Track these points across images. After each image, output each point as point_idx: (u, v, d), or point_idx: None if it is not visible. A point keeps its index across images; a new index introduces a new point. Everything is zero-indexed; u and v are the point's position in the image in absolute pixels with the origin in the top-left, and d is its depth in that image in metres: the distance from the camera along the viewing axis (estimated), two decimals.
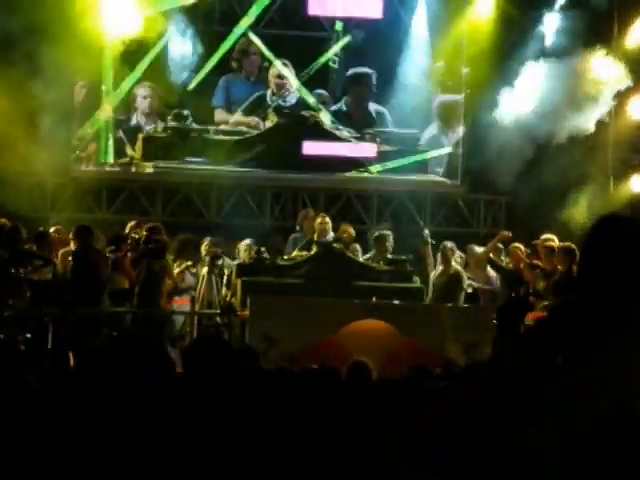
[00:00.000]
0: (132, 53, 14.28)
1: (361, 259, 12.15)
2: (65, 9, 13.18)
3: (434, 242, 12.38)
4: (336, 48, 15.15)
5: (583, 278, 3.08)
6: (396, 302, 11.11)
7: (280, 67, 15.12)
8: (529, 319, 9.44)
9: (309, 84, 15.18)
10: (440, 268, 12.07)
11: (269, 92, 15.16)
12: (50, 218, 13.22)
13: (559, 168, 13.66)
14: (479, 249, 12.54)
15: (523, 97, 13.79)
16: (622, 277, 2.94)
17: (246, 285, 11.17)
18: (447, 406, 3.54)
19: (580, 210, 13.36)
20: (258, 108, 15.14)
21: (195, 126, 14.95)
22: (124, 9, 13.93)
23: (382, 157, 15.29)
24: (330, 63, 15.24)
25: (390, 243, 12.34)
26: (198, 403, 3.84)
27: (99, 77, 14.43)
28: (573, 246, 10.53)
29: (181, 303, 12.01)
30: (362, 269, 11.67)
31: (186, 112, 14.87)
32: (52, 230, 11.90)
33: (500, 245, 12.45)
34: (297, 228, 12.90)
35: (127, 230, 11.85)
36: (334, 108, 15.30)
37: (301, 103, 15.22)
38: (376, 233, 12.75)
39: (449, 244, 12.22)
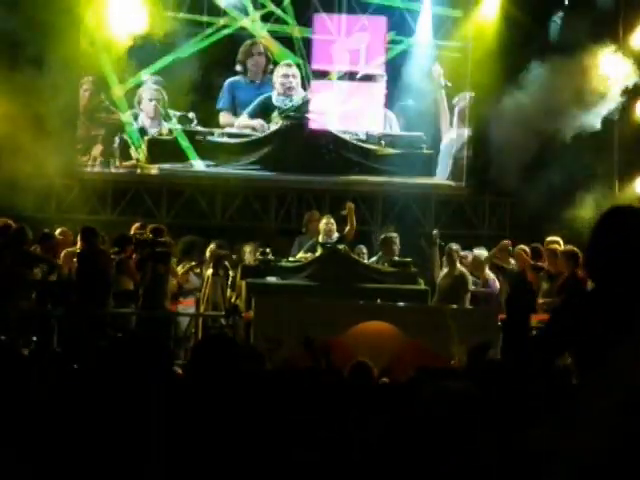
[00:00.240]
0: (139, 49, 14.34)
1: (366, 261, 12.17)
2: (71, 7, 13.24)
3: (442, 243, 12.37)
4: None
5: (590, 271, 3.08)
6: (401, 304, 11.11)
7: (285, 67, 15.14)
8: (533, 320, 9.45)
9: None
10: (445, 270, 12.07)
11: (274, 93, 15.18)
12: (55, 219, 13.23)
13: (564, 170, 13.66)
14: (479, 251, 12.54)
15: (529, 96, 13.79)
16: (628, 269, 2.94)
17: (251, 287, 11.18)
18: (452, 408, 3.55)
19: (585, 212, 13.35)
20: (264, 110, 15.16)
21: (200, 129, 14.97)
22: (130, 8, 14.02)
23: (387, 160, 15.30)
24: None
25: (397, 245, 12.36)
26: (201, 401, 3.85)
27: (105, 76, 14.47)
28: (576, 250, 10.52)
29: (186, 304, 12.02)
30: (367, 271, 11.67)
31: (191, 115, 14.90)
32: (57, 232, 11.92)
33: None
34: (303, 230, 12.92)
35: (132, 232, 11.87)
36: (344, 109, 15.31)
37: (307, 103, 15.22)
38: (383, 235, 12.78)
39: (454, 246, 12.22)
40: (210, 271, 11.87)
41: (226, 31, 14.95)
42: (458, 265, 12.03)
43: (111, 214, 14.77)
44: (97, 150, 14.80)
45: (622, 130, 14.52)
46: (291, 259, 11.86)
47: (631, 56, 13.97)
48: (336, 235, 12.01)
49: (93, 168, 14.74)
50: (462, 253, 12.41)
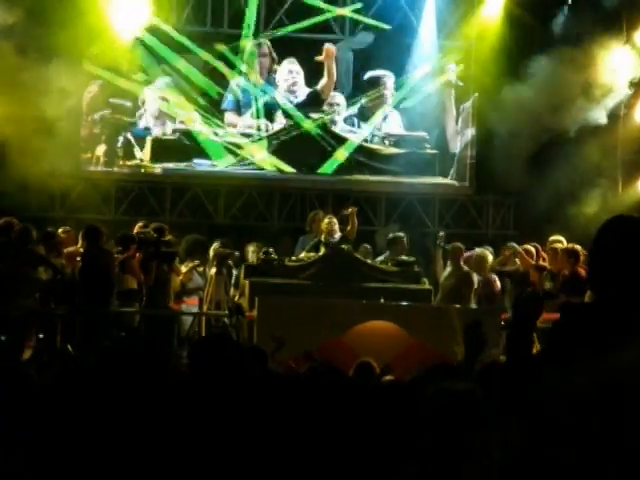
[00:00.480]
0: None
1: (369, 260, 12.17)
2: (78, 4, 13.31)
3: (447, 247, 12.35)
4: None
5: (592, 281, 3.07)
6: (404, 303, 11.11)
7: (288, 64, 15.15)
8: (541, 320, 9.44)
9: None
10: (449, 269, 12.07)
11: (279, 90, 15.18)
12: (59, 219, 13.25)
13: (568, 169, 13.66)
14: (482, 250, 12.52)
15: (533, 91, 13.77)
16: (630, 279, 2.93)
17: (254, 286, 11.18)
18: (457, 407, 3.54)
19: (589, 210, 13.35)
20: (267, 110, 15.16)
21: (204, 128, 14.98)
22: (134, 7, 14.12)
23: (390, 160, 15.31)
24: None
25: (405, 245, 12.40)
26: (202, 401, 3.85)
27: (112, 72, 14.52)
28: (577, 248, 10.53)
29: (190, 304, 12.03)
30: (370, 270, 11.67)
31: (195, 115, 14.90)
32: (60, 231, 11.93)
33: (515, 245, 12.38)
34: (307, 229, 12.93)
35: (135, 231, 11.87)
36: (352, 112, 15.32)
37: (311, 100, 15.22)
38: (391, 235, 12.81)
39: (458, 246, 12.22)
40: (214, 270, 11.87)
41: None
42: (462, 264, 12.03)
43: (115, 213, 14.78)
44: (101, 150, 14.81)
45: (625, 132, 14.50)
46: (294, 258, 11.87)
47: (638, 54, 13.96)
48: (339, 234, 12.01)
49: (97, 167, 14.76)
50: (466, 254, 12.40)
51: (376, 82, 15.38)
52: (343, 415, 4.41)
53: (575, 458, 2.75)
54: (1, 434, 3.96)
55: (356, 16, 15.27)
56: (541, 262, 11.59)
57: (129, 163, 14.87)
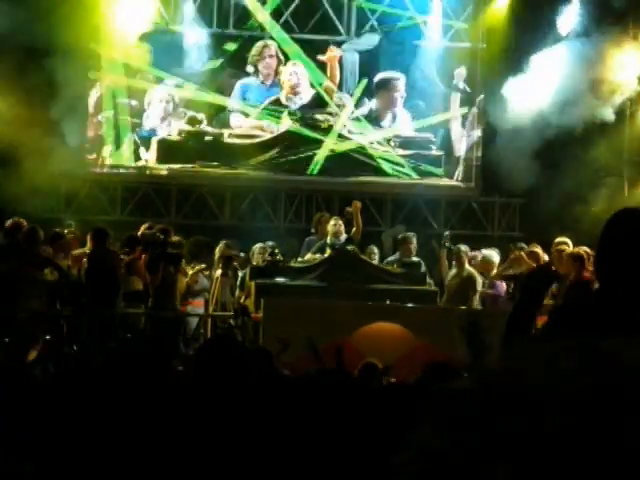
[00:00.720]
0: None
1: (375, 261, 12.19)
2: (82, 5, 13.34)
3: (452, 247, 12.35)
4: None
5: (599, 273, 3.07)
6: (410, 305, 11.12)
7: (291, 66, 15.17)
8: (538, 323, 9.44)
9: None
10: (454, 271, 12.07)
11: (282, 93, 15.20)
12: (65, 220, 13.27)
13: (574, 170, 13.64)
14: (488, 252, 12.52)
15: (539, 90, 13.74)
16: (636, 272, 2.93)
17: (260, 287, 11.19)
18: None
19: (595, 212, 13.33)
20: (273, 111, 15.18)
21: (209, 129, 15.01)
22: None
23: (396, 161, 15.31)
24: None
25: (414, 245, 12.42)
26: (208, 402, 3.86)
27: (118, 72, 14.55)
28: (582, 252, 10.51)
29: (195, 305, 12.04)
30: (376, 271, 11.67)
31: (200, 115, 14.93)
32: (66, 232, 11.96)
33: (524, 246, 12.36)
34: (312, 231, 12.94)
35: (140, 232, 11.89)
36: (362, 112, 15.32)
37: (316, 102, 15.23)
38: (401, 235, 12.83)
39: (463, 247, 12.22)
40: (219, 272, 11.88)
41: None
42: (467, 266, 12.03)
43: (120, 214, 14.80)
44: (107, 151, 14.84)
45: (631, 133, 14.48)
46: (300, 260, 11.88)
47: None
48: (344, 236, 12.02)
49: (102, 169, 14.78)
50: (471, 254, 12.41)
51: (386, 84, 15.38)
52: (347, 416, 4.42)
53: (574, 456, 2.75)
54: (5, 434, 3.98)
55: None
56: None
57: (135, 164, 14.90)
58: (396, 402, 4.87)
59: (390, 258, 12.53)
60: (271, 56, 15.20)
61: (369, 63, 15.38)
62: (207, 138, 14.99)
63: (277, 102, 15.20)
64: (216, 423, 3.76)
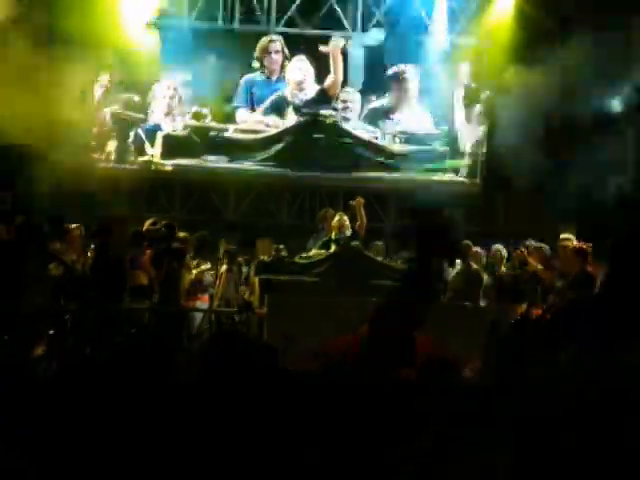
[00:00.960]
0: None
1: (380, 258, 12.19)
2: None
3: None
4: None
5: (613, 282, 3.07)
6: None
7: (297, 62, 15.16)
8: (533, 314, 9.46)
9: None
10: (458, 267, 12.06)
11: (288, 89, 15.19)
12: (70, 216, 13.27)
13: (580, 166, 13.62)
14: (498, 246, 12.51)
15: (545, 80, 13.71)
16: None
17: (264, 283, 11.20)
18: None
19: (602, 208, 13.31)
20: (278, 107, 15.18)
21: (214, 125, 15.00)
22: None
23: (401, 157, 15.30)
24: None
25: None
26: (213, 398, 3.86)
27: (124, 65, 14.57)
28: (585, 247, 10.50)
29: (200, 301, 12.05)
30: (380, 267, 11.67)
31: (205, 111, 14.93)
32: (73, 227, 11.97)
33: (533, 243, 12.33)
34: (318, 227, 12.95)
35: (145, 228, 11.90)
36: (375, 105, 15.31)
37: (321, 97, 15.22)
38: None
39: (467, 243, 12.22)
40: (224, 267, 11.90)
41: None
42: (471, 262, 12.02)
43: (125, 210, 14.79)
44: (111, 146, 14.84)
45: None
46: (304, 256, 11.88)
47: None
48: (349, 232, 12.02)
49: (107, 164, 14.79)
50: (475, 250, 12.40)
51: (398, 77, 15.35)
52: (350, 412, 4.42)
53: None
54: (7, 430, 3.98)
55: None
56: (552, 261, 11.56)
57: (140, 159, 14.90)
58: (399, 398, 4.87)
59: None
60: (277, 52, 15.19)
61: (375, 58, 15.36)
62: (212, 133, 14.99)
63: (282, 97, 15.19)
64: (221, 418, 3.76)
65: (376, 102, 15.34)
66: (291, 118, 15.16)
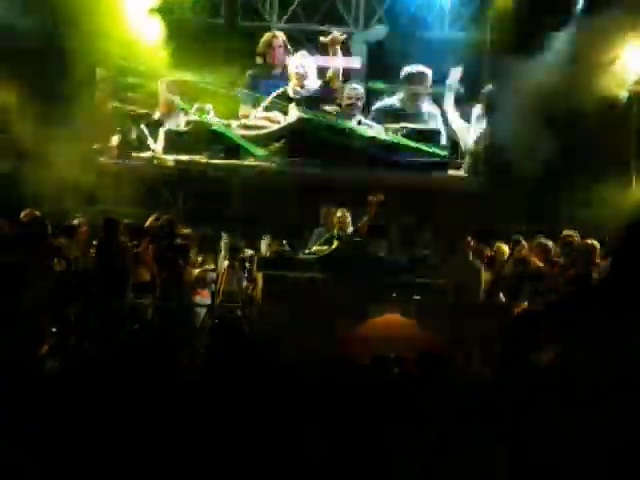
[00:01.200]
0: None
1: (382, 254, 12.20)
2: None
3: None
4: None
5: (613, 282, 3.10)
6: (417, 297, 11.14)
7: (299, 58, 15.15)
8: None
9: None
10: (460, 264, 12.07)
11: (290, 84, 15.18)
12: (73, 211, 13.30)
13: (581, 164, 13.62)
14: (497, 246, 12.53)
15: (548, 74, 13.70)
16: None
17: (267, 278, 11.23)
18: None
19: (602, 207, 13.31)
20: (281, 102, 15.17)
21: (217, 120, 15.00)
22: None
23: (403, 153, 15.27)
24: None
25: (428, 237, 12.45)
26: (215, 392, 3.87)
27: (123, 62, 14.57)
28: (589, 244, 10.51)
29: (203, 296, 12.08)
30: (383, 264, 11.70)
31: (208, 106, 14.92)
32: (75, 222, 11.99)
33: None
34: (321, 223, 12.96)
35: (148, 223, 11.92)
36: (384, 104, 15.30)
37: (324, 93, 15.22)
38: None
39: (469, 240, 12.23)
40: (226, 263, 11.92)
41: None
42: (472, 259, 12.04)
43: (128, 205, 14.79)
44: (114, 141, 14.84)
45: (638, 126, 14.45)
46: (307, 252, 11.90)
47: None
48: (351, 229, 12.04)
49: (110, 159, 14.79)
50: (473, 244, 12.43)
51: (412, 78, 15.32)
52: (353, 404, 4.44)
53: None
54: (12, 427, 4.00)
55: None
56: (554, 257, 11.58)
57: (143, 155, 14.90)
58: (399, 393, 4.90)
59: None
60: (280, 47, 15.18)
61: (377, 55, 15.35)
62: (214, 129, 14.99)
63: (284, 93, 15.18)
64: (223, 412, 3.78)
65: (384, 101, 15.32)
66: (293, 114, 15.15)
